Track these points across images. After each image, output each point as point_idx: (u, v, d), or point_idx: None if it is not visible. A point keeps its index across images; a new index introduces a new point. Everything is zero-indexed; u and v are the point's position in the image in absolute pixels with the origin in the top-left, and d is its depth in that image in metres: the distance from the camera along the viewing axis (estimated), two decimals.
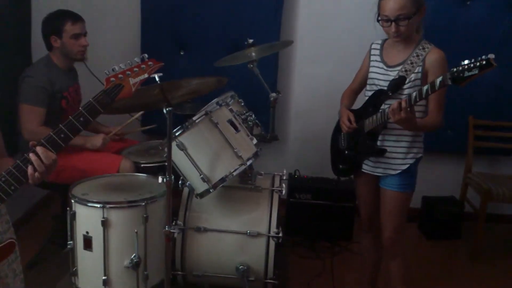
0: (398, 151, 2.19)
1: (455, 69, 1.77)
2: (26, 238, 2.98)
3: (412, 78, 2.12)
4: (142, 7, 3.33)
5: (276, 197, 2.43)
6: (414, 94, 1.93)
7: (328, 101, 3.57)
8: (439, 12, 3.20)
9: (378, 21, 2.13)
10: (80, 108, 1.40)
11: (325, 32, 3.43)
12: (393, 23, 2.06)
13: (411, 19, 2.05)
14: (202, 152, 2.15)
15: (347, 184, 3.26)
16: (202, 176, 2.13)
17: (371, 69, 2.28)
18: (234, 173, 2.14)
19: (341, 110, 2.36)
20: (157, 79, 1.88)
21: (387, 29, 2.11)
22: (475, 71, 1.70)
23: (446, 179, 3.58)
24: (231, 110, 2.26)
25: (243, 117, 2.40)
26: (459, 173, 3.47)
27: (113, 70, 1.43)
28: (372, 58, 2.28)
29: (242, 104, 2.57)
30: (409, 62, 2.12)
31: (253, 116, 2.46)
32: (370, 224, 2.45)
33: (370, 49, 2.32)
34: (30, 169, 1.35)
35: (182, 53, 3.44)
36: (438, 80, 1.83)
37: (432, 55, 2.10)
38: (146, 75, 1.49)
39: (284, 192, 2.44)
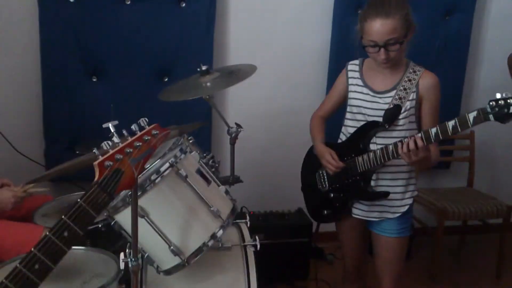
0: (396, 191, 1.91)
1: (494, 103, 1.50)
2: None
3: (408, 107, 1.84)
4: (40, 26, 2.66)
5: (251, 254, 1.99)
6: (433, 130, 1.65)
7: (266, 126, 3.26)
8: None
9: (363, 47, 1.83)
10: (62, 216, 0.86)
11: (261, 49, 3.07)
12: (382, 49, 1.75)
13: (403, 44, 1.77)
14: (169, 217, 1.64)
15: (299, 217, 2.97)
16: (172, 248, 1.63)
17: (352, 95, 1.96)
18: (210, 242, 1.67)
19: (317, 147, 2.01)
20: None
21: (375, 55, 1.80)
22: None
23: None
24: (195, 157, 1.80)
25: (204, 161, 1.94)
26: None
27: (102, 147, 0.91)
28: (351, 81, 1.97)
29: (192, 141, 2.12)
30: (401, 88, 1.85)
31: (214, 157, 2.03)
32: (357, 273, 2.14)
33: (346, 70, 2.00)
34: None
35: (94, 80, 2.84)
36: (472, 115, 1.56)
37: (426, 80, 1.85)
38: (150, 151, 1.00)
39: (259, 246, 2.02)
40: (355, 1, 3.00)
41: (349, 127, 1.97)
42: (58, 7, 2.66)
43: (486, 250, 3.40)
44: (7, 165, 2.67)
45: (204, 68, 2.05)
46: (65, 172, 1.84)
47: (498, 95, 1.51)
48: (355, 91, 1.95)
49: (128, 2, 2.74)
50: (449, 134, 1.63)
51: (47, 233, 0.87)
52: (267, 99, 3.15)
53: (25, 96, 2.77)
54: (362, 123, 1.91)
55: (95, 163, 0.90)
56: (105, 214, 1.71)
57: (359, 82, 1.95)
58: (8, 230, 1.91)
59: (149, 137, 0.99)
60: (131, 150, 0.94)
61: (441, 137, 1.64)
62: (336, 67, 3.10)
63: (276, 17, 3.05)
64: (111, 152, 0.91)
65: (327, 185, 2.02)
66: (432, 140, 1.66)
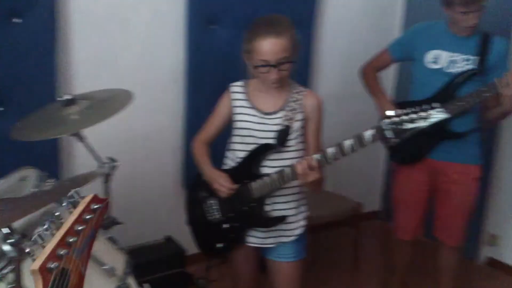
0: (289, 213, 1.88)
1: (388, 120, 1.56)
2: None
3: (297, 127, 1.84)
4: None
5: None
6: (330, 150, 1.65)
7: (121, 154, 2.92)
8: None
9: (254, 67, 1.76)
10: None
11: (109, 69, 2.76)
12: (274, 69, 1.71)
13: (293, 63, 1.76)
14: None
15: (170, 247, 2.79)
16: None
17: (238, 117, 1.89)
18: None
19: (207, 172, 1.88)
20: None
21: (266, 75, 1.75)
22: (422, 124, 1.52)
23: None
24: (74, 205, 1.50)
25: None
26: None
27: (35, 241, 0.64)
28: (236, 103, 1.90)
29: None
30: (289, 108, 1.83)
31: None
32: None
33: (230, 93, 1.92)
34: None
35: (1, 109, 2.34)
36: (369, 133, 1.59)
37: (310, 101, 1.87)
38: (93, 233, 0.74)
39: None
40: (207, 17, 2.92)
41: (238, 151, 1.89)
42: None
43: (339, 245, 3.57)
44: None
45: (67, 97, 1.73)
46: None
47: (391, 113, 1.58)
48: (242, 113, 1.88)
49: None
50: (346, 153, 1.65)
51: None
52: (121, 124, 2.85)
53: None
54: (252, 146, 1.85)
55: (34, 268, 0.62)
56: None
57: (246, 103, 1.88)
58: None
59: (90, 215, 0.74)
60: (75, 238, 0.69)
61: (340, 156, 1.66)
62: (193, 87, 2.98)
63: (125, 33, 2.78)
64: (50, 247, 0.63)
65: (219, 214, 1.90)
66: (329, 160, 1.68)
